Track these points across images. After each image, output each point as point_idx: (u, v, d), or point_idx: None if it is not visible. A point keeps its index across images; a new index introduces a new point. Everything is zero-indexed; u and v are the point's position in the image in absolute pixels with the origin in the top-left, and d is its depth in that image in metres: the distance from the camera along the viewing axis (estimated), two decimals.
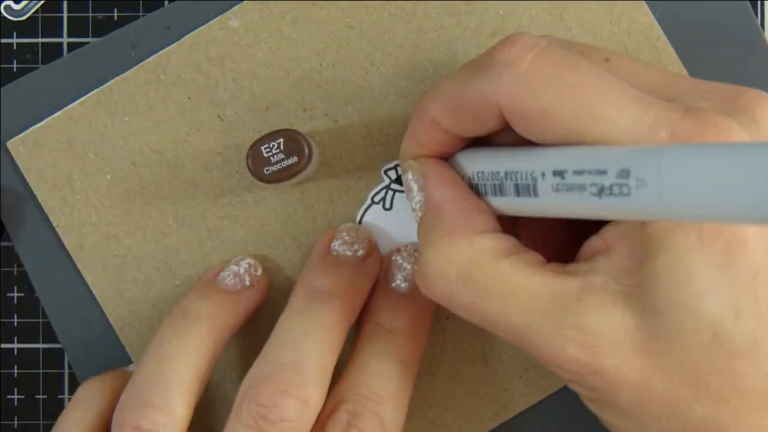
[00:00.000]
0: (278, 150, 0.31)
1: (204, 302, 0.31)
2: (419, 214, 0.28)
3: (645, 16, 0.33)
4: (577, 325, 0.23)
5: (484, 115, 0.25)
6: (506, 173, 0.26)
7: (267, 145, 0.31)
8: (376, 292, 0.32)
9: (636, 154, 0.22)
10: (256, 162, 0.31)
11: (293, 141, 0.31)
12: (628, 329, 0.23)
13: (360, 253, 0.32)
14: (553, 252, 0.27)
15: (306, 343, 0.28)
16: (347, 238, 0.32)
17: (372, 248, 0.33)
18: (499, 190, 0.27)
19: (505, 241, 0.26)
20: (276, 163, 0.31)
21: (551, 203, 0.25)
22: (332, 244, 0.32)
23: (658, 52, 0.33)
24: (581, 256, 0.26)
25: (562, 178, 0.24)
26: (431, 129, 0.28)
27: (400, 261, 0.32)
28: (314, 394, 0.28)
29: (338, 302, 0.30)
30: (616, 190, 0.22)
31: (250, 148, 0.31)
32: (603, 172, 0.22)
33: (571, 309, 0.24)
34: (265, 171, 0.31)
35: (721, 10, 0.33)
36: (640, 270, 0.23)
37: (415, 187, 0.28)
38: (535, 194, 0.25)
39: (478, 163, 0.28)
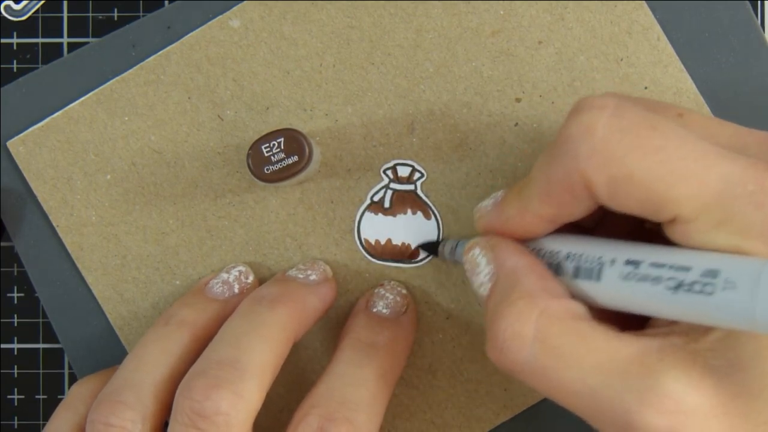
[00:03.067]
0: (279, 149, 0.31)
1: (189, 309, 0.31)
2: (488, 285, 0.27)
3: (645, 16, 0.33)
4: (657, 387, 0.23)
5: (578, 193, 0.24)
6: (568, 254, 0.26)
7: (267, 145, 0.31)
8: (356, 315, 0.32)
9: (729, 259, 0.21)
10: (256, 161, 0.31)
11: (293, 140, 0.31)
12: (709, 390, 0.23)
13: (312, 277, 0.32)
14: (624, 320, 0.26)
15: (244, 341, 0.28)
16: (302, 266, 0.33)
17: (327, 277, 0.33)
18: (555, 269, 0.26)
19: (580, 308, 0.25)
20: (276, 162, 0.31)
21: (614, 291, 0.24)
22: (290, 271, 0.33)
23: (658, 53, 0.33)
24: (658, 322, 0.25)
25: (636, 267, 0.23)
26: (533, 220, 0.27)
27: (383, 292, 0.33)
28: (250, 388, 0.27)
29: (282, 307, 0.30)
30: (697, 287, 0.21)
31: (251, 148, 0.31)
32: (686, 269, 0.22)
33: (652, 370, 0.23)
34: (265, 170, 0.31)
35: (721, 11, 0.33)
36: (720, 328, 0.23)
37: (483, 261, 0.28)
38: (598, 279, 0.25)
39: (538, 241, 0.27)
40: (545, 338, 0.24)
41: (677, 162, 0.23)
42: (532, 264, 0.26)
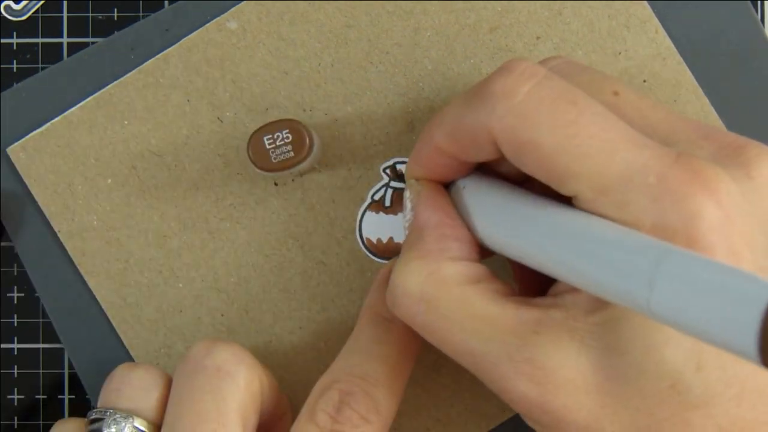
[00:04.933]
0: (280, 140, 0.31)
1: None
2: (406, 233, 0.28)
3: (643, 9, 0.33)
4: (531, 358, 0.23)
5: (481, 143, 0.25)
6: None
7: (270, 136, 0.31)
8: (378, 287, 0.32)
9: (634, 257, 0.21)
10: (257, 152, 0.31)
11: (295, 131, 0.31)
12: (582, 368, 0.23)
13: None
14: (540, 286, 0.26)
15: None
16: None
17: None
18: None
19: (475, 269, 0.26)
20: (278, 153, 0.31)
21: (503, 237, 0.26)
22: None
23: (656, 45, 0.33)
24: (552, 291, 0.25)
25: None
26: (435, 154, 0.28)
27: None
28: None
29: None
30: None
31: (251, 138, 0.31)
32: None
33: (527, 341, 0.24)
34: (267, 161, 0.31)
35: (722, 9, 0.33)
36: (604, 309, 0.23)
37: (408, 205, 0.29)
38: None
39: (487, 216, 0.27)
40: (430, 300, 0.25)
41: (585, 139, 0.23)
42: (440, 223, 0.27)
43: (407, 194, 0.29)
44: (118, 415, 0.29)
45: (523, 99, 0.24)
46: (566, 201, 0.25)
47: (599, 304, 0.23)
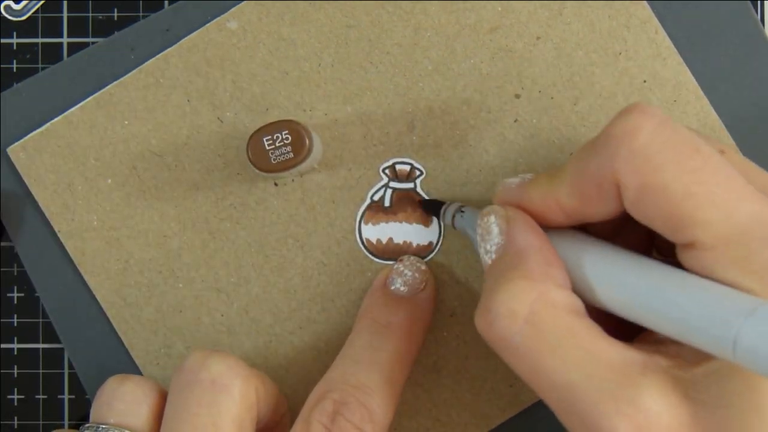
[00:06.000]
0: (279, 141, 0.31)
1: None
2: (493, 256, 0.27)
3: (643, 9, 0.33)
4: (635, 400, 0.23)
5: (607, 191, 0.25)
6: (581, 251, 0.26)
7: (269, 137, 0.31)
8: (374, 292, 0.32)
9: (729, 291, 0.22)
10: (256, 153, 0.31)
11: (293, 132, 0.31)
12: (683, 419, 0.23)
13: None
14: (614, 329, 0.26)
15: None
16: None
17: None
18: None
19: (578, 302, 0.25)
20: (277, 154, 0.31)
21: (614, 294, 0.25)
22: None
23: (656, 46, 0.33)
24: (648, 338, 0.25)
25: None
26: (554, 206, 0.27)
27: (402, 268, 0.32)
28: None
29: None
30: None
31: (250, 139, 0.31)
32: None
33: (634, 382, 0.23)
34: (266, 161, 0.31)
35: (722, 9, 0.33)
36: (708, 361, 0.23)
37: (495, 230, 0.27)
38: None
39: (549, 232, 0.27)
40: (537, 322, 0.24)
41: (712, 187, 0.23)
42: (542, 246, 0.26)
43: (492, 219, 0.28)
44: (110, 431, 0.29)
45: (646, 140, 0.23)
46: (667, 248, 0.25)
47: (704, 356, 0.23)
